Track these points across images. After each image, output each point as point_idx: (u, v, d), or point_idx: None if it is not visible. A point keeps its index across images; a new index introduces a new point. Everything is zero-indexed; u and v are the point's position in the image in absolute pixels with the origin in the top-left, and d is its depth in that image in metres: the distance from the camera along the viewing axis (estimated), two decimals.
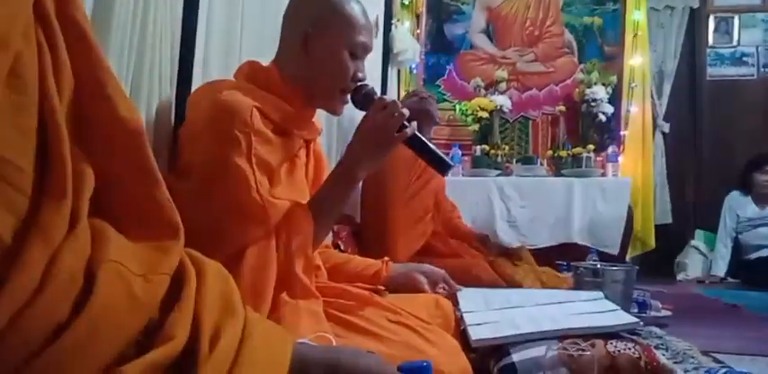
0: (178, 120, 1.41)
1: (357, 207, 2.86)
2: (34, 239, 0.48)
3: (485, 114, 4.45)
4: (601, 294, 1.75)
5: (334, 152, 2.65)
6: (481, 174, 4.21)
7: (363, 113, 1.38)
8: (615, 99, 4.53)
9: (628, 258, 4.11)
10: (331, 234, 1.81)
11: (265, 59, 1.46)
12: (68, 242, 0.51)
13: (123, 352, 0.53)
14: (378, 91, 1.56)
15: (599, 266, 2.43)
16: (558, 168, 4.37)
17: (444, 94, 4.80)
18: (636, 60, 4.58)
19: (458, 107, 4.65)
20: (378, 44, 3.58)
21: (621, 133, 4.58)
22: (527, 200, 3.99)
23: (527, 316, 1.50)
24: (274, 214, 1.25)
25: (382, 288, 1.51)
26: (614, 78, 4.55)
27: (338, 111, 1.48)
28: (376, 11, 3.43)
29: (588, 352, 1.23)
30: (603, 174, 4.28)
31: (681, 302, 2.86)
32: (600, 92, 4.43)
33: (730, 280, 4.28)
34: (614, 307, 1.61)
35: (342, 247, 2.32)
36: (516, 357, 1.32)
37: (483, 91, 4.65)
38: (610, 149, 4.40)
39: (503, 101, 4.48)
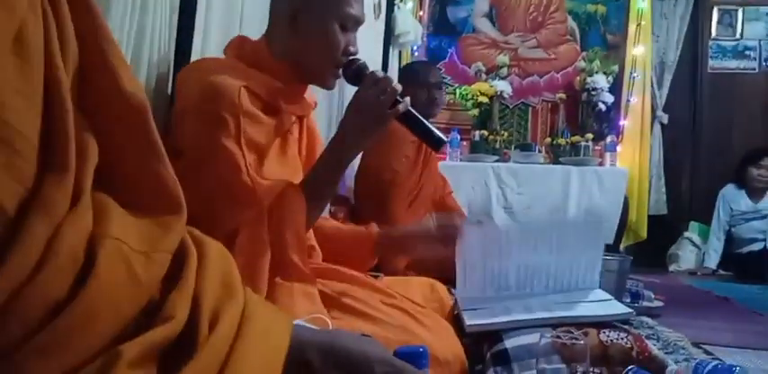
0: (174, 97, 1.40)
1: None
2: (36, 214, 0.47)
3: (485, 99, 4.44)
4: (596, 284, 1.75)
5: (335, 128, 2.62)
6: (479, 160, 4.21)
7: None
8: (616, 88, 4.53)
9: (621, 248, 4.13)
10: (328, 215, 1.79)
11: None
12: (71, 218, 0.50)
13: (122, 331, 0.52)
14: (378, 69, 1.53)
15: None
16: (555, 156, 4.37)
17: (445, 78, 4.78)
18: (638, 50, 4.57)
19: (458, 91, 4.64)
20: (380, 25, 3.55)
21: (621, 123, 4.58)
22: (524, 186, 3.99)
23: (522, 304, 1.50)
24: (265, 196, 1.23)
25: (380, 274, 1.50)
26: (616, 67, 4.54)
27: (330, 85, 1.45)
28: None
29: (581, 341, 1.23)
30: (601, 164, 4.29)
31: (672, 293, 2.87)
32: (601, 81, 4.42)
33: (722, 272, 4.30)
34: (608, 296, 1.62)
35: None
36: (509, 343, 1.32)
37: (484, 75, 4.64)
38: (608, 139, 4.40)
39: (503, 86, 4.47)
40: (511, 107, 4.71)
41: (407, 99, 1.32)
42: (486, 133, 4.34)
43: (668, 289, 2.98)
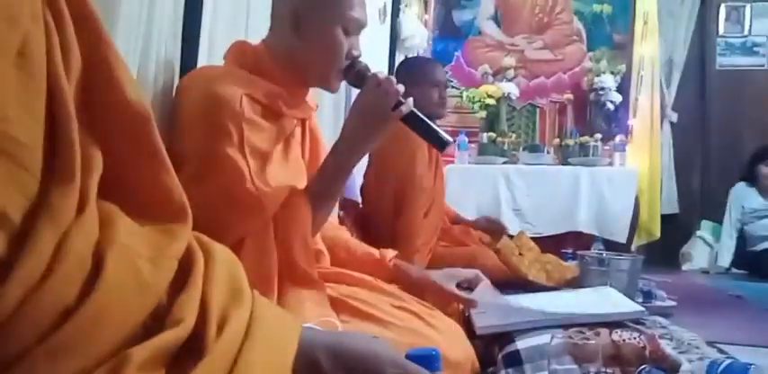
0: None
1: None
2: (43, 222, 0.47)
3: (492, 101, 4.43)
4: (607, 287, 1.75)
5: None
6: (487, 162, 4.20)
7: None
8: (624, 88, 4.51)
9: (633, 247, 4.11)
10: (337, 221, 1.79)
11: None
12: (77, 225, 0.50)
13: (131, 336, 0.53)
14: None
15: (605, 255, 2.43)
16: (564, 157, 4.36)
17: (451, 81, 4.78)
18: (645, 49, 4.55)
19: (465, 94, 4.63)
20: (385, 29, 3.55)
21: (629, 122, 4.56)
22: (533, 188, 3.98)
23: (532, 304, 1.50)
24: (270, 204, 1.23)
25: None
26: (623, 67, 4.52)
27: (334, 88, 1.44)
28: None
29: (593, 341, 1.23)
30: (610, 163, 4.28)
31: (685, 292, 2.86)
32: (608, 80, 4.41)
33: (735, 270, 4.27)
34: (620, 296, 1.61)
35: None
36: (521, 344, 1.32)
37: (491, 78, 4.63)
38: (617, 138, 4.39)
39: (510, 88, 4.47)
40: (518, 109, 4.70)
41: (410, 100, 1.31)
42: (494, 135, 4.33)
43: (681, 289, 2.96)
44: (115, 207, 0.58)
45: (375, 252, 1.56)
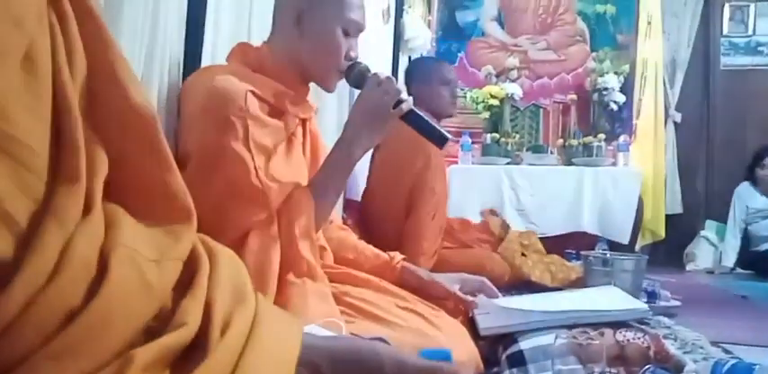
0: None
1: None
2: (49, 224, 0.48)
3: (495, 102, 4.43)
4: (611, 286, 1.75)
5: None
6: (491, 163, 4.20)
7: None
8: (627, 88, 4.51)
9: (637, 248, 4.11)
10: (340, 221, 1.80)
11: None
12: (82, 227, 0.51)
13: (135, 337, 0.53)
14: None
15: (609, 255, 2.43)
16: (568, 157, 4.36)
17: None
18: (649, 49, 4.54)
19: (468, 95, 4.63)
20: (389, 30, 3.56)
21: (633, 122, 4.55)
22: (537, 188, 3.98)
23: (536, 304, 1.50)
24: (275, 198, 1.25)
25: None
26: (626, 67, 4.52)
27: (331, 88, 1.48)
28: None
29: (597, 341, 1.23)
30: (614, 164, 4.27)
31: (690, 292, 2.85)
32: (612, 80, 4.40)
33: (739, 270, 4.26)
34: (624, 295, 1.61)
35: None
36: (524, 345, 1.32)
37: (494, 79, 4.63)
38: (621, 138, 4.38)
39: (514, 89, 4.46)
40: (522, 109, 4.70)
41: (410, 99, 1.35)
42: (497, 136, 4.33)
43: (685, 289, 2.95)
44: (120, 208, 0.59)
45: (383, 254, 1.58)
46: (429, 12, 4.78)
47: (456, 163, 4.10)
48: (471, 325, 1.44)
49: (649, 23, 4.55)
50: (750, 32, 5.12)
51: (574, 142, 4.35)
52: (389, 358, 0.67)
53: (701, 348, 1.77)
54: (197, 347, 0.55)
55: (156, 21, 1.26)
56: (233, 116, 1.22)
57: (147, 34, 1.23)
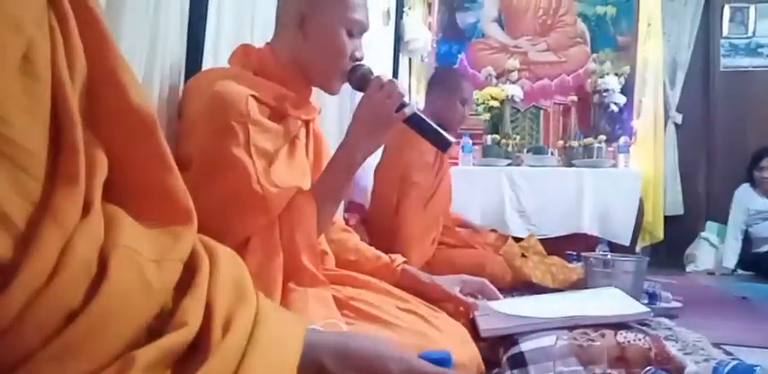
0: None
1: (368, 195, 2.86)
2: (48, 225, 0.48)
3: (496, 104, 4.43)
4: (612, 287, 1.75)
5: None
6: (491, 164, 4.19)
7: None
8: (627, 89, 4.51)
9: (638, 249, 4.10)
10: (343, 222, 1.80)
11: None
12: (82, 228, 0.51)
13: (136, 338, 0.53)
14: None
15: (609, 257, 2.43)
16: (568, 158, 4.36)
17: None
18: (649, 50, 4.54)
19: None
20: (389, 32, 3.56)
21: (633, 124, 4.55)
22: (537, 190, 3.97)
23: (537, 306, 1.49)
24: (276, 203, 1.24)
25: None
26: (627, 68, 4.51)
27: (335, 90, 1.46)
28: None
29: (598, 343, 1.23)
30: (615, 165, 4.27)
31: (690, 294, 2.84)
32: (612, 82, 4.40)
33: (740, 272, 4.26)
34: (625, 297, 1.61)
35: None
36: (525, 346, 1.32)
37: (494, 80, 4.63)
38: (621, 140, 4.38)
39: (514, 90, 4.46)
40: (522, 111, 4.70)
41: (413, 102, 1.34)
42: (498, 137, 4.33)
43: (686, 290, 2.95)
44: (120, 209, 0.59)
45: (384, 256, 1.58)
46: (429, 13, 4.78)
47: (456, 164, 4.10)
48: (472, 326, 1.43)
49: (649, 25, 4.56)
50: (750, 34, 5.12)
51: (574, 143, 4.35)
52: (394, 356, 0.67)
53: (702, 349, 1.76)
54: (198, 347, 0.55)
55: (157, 22, 1.26)
56: (234, 121, 1.21)
57: (148, 36, 1.23)
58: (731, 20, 5.15)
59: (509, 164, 4.23)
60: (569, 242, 3.59)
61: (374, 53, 2.78)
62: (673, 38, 5.07)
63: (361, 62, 1.42)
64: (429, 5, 4.77)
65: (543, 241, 3.20)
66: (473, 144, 4.33)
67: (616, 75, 4.45)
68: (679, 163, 5.00)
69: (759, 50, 5.09)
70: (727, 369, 1.18)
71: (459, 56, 4.84)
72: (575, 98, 4.61)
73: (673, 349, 1.33)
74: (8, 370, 0.45)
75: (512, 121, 4.57)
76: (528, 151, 4.44)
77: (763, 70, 5.07)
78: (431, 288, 1.53)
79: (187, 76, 1.42)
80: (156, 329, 0.55)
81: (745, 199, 4.45)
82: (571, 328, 1.34)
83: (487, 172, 4.08)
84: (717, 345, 1.83)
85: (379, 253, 1.59)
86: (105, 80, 0.59)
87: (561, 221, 3.87)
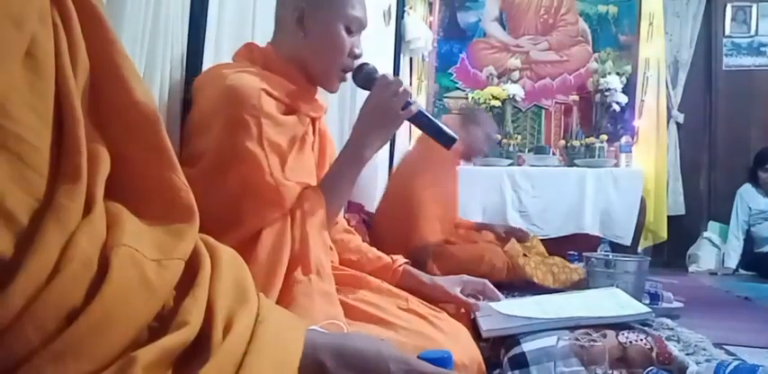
0: (186, 104, 1.41)
1: (368, 195, 2.87)
2: (49, 223, 0.48)
3: (497, 103, 4.44)
4: (614, 288, 1.74)
5: (347, 133, 2.67)
6: (493, 164, 4.19)
7: None
8: (629, 88, 4.51)
9: (639, 249, 4.10)
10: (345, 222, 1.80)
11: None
12: (84, 226, 0.50)
13: (137, 338, 0.53)
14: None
15: (611, 257, 2.42)
16: (570, 158, 4.36)
17: (456, 83, 4.78)
18: (651, 49, 4.54)
19: (470, 96, 4.63)
20: (390, 32, 3.56)
21: (635, 123, 4.55)
22: (539, 189, 3.98)
23: (538, 306, 1.49)
24: (289, 196, 1.25)
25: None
26: (629, 68, 4.51)
27: (334, 88, 1.47)
28: None
29: (599, 343, 1.22)
30: (616, 165, 4.27)
31: (692, 294, 2.85)
32: (614, 81, 4.40)
33: (742, 272, 4.25)
34: (626, 297, 1.61)
35: None
36: (527, 347, 1.31)
37: (495, 79, 4.63)
38: (623, 139, 4.38)
39: (515, 90, 4.47)
40: (524, 110, 4.70)
41: (418, 100, 1.35)
42: (499, 137, 4.33)
43: (688, 290, 2.95)
44: (122, 207, 0.59)
45: (385, 256, 1.58)
46: (430, 12, 4.78)
47: (458, 164, 4.10)
48: (473, 326, 1.43)
49: (651, 24, 4.55)
50: (752, 33, 5.11)
51: (576, 143, 4.35)
52: (394, 357, 0.67)
53: (704, 349, 1.76)
54: (199, 347, 0.55)
55: (159, 19, 1.26)
56: (247, 115, 1.21)
57: (150, 32, 1.23)
58: (733, 19, 5.14)
59: (510, 164, 4.23)
60: (571, 242, 3.59)
61: (375, 52, 2.79)
62: (675, 37, 5.07)
63: (366, 61, 1.43)
64: (430, 5, 4.77)
65: (545, 241, 3.20)
66: None
67: (618, 74, 4.45)
68: (681, 162, 5.00)
69: (761, 49, 5.09)
70: (728, 370, 1.17)
71: (461, 55, 4.84)
72: (576, 97, 4.61)
73: (674, 349, 1.33)
74: (9, 370, 0.45)
75: (513, 121, 4.57)
76: (529, 151, 4.44)
77: (765, 69, 5.06)
78: (432, 288, 1.53)
79: (188, 73, 1.42)
80: (157, 329, 0.55)
81: (747, 198, 4.45)
82: (573, 328, 1.34)
83: (489, 172, 4.08)
84: (718, 345, 1.83)
85: (380, 253, 1.59)
86: (108, 76, 0.59)
87: (563, 221, 3.87)
